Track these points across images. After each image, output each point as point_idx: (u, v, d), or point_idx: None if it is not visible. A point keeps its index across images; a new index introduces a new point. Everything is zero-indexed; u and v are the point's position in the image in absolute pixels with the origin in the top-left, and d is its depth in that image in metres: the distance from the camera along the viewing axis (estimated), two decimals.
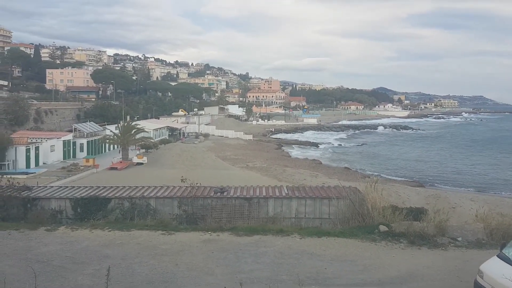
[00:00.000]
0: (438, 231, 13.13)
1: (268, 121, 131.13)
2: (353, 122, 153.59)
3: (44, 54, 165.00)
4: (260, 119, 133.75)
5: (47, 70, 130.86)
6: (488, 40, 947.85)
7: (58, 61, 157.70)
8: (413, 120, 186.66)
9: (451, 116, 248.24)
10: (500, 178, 54.69)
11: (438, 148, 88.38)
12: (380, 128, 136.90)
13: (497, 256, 8.48)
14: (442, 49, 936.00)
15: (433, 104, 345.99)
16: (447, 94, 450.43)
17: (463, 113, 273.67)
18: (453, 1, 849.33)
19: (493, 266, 8.10)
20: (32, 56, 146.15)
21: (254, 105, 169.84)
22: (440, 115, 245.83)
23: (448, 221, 13.92)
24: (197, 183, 18.19)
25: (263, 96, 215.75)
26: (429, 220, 13.77)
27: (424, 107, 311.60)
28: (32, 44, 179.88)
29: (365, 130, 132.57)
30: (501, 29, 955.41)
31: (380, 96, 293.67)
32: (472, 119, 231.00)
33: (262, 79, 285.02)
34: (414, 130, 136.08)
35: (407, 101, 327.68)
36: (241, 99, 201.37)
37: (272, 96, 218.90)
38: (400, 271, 10.36)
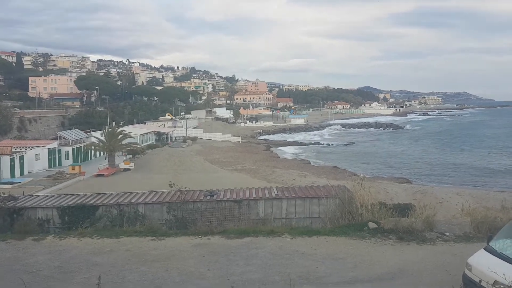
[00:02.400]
0: (426, 226, 13.29)
1: (256, 123, 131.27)
2: (340, 121, 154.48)
3: (27, 62, 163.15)
4: (247, 121, 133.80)
5: (30, 78, 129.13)
6: (471, 37, 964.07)
7: (41, 69, 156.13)
8: (398, 118, 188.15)
9: (436, 112, 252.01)
10: (486, 171, 55.54)
11: (423, 144, 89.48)
12: (366, 127, 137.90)
13: (484, 249, 8.59)
14: (425, 47, 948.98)
15: (417, 101, 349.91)
16: (431, 91, 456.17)
17: (453, 111, 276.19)
18: (433, 0, 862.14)
19: (480, 259, 8.21)
20: (14, 64, 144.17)
21: (242, 107, 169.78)
22: (424, 112, 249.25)
23: (435, 216, 14.09)
24: (186, 188, 18.12)
25: (250, 98, 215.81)
26: (416, 215, 13.93)
27: (409, 104, 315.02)
28: (14, 52, 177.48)
29: (352, 129, 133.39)
30: (483, 26, 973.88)
31: (365, 95, 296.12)
32: (456, 115, 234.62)
33: (249, 81, 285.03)
34: (400, 128, 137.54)
35: (392, 99, 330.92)
36: (228, 101, 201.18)
37: (259, 98, 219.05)
38: (390, 267, 10.47)
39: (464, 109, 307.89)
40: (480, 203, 17.88)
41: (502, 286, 7.12)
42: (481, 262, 8.05)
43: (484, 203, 18.04)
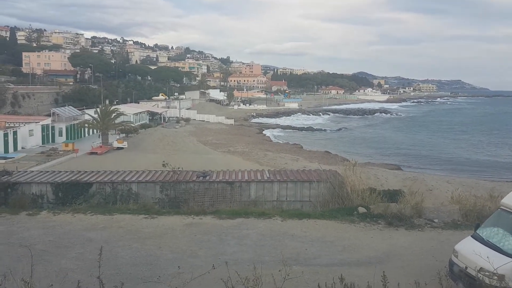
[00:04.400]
0: (415, 212, 13.54)
1: (250, 106, 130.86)
2: (334, 107, 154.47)
3: (20, 37, 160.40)
4: (241, 104, 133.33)
5: (24, 54, 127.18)
6: (467, 25, 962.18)
7: (34, 44, 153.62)
8: (392, 105, 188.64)
9: (429, 100, 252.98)
10: (476, 159, 56.22)
11: (415, 132, 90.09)
12: (360, 113, 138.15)
13: (472, 236, 8.75)
14: (421, 33, 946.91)
15: (411, 89, 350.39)
16: (425, 79, 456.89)
17: (438, 99, 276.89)
18: None
19: (467, 246, 8.37)
20: (7, 39, 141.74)
21: (236, 90, 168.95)
22: (418, 99, 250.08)
23: (424, 203, 14.35)
24: (179, 168, 18.26)
25: (244, 81, 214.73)
26: (406, 202, 14.16)
27: (403, 91, 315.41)
28: (8, 26, 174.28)
29: (346, 115, 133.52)
30: (480, 14, 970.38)
31: (360, 81, 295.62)
32: (449, 103, 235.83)
33: (243, 63, 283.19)
34: (393, 114, 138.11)
35: (387, 86, 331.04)
36: (222, 83, 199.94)
37: (254, 81, 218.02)
38: (378, 251, 10.69)
39: (458, 98, 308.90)
40: (469, 191, 18.14)
41: (487, 273, 7.29)
42: (468, 249, 8.21)
43: (473, 192, 18.30)
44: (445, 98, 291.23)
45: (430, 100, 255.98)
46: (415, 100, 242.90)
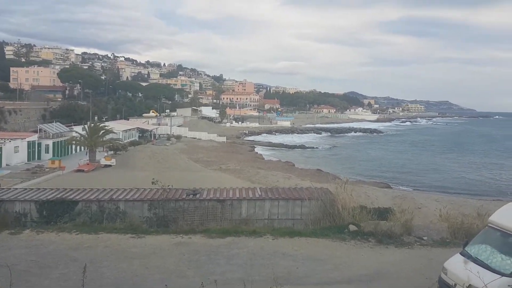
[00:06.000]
0: (405, 230, 13.53)
1: (242, 123, 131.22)
2: (326, 126, 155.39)
3: (9, 52, 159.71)
4: (234, 121, 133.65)
5: (12, 69, 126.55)
6: (454, 48, 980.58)
7: (23, 59, 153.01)
8: (382, 124, 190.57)
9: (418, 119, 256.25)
10: (465, 178, 56.63)
11: (404, 150, 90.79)
12: (351, 132, 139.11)
13: (460, 253, 8.82)
14: (410, 55, 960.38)
15: (400, 109, 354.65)
16: (414, 99, 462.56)
17: (418, 118, 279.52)
18: (420, 9, 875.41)
19: (456, 263, 8.43)
20: None
21: (228, 107, 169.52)
22: (406, 120, 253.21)
23: (413, 220, 14.33)
24: (168, 186, 17.99)
25: (237, 98, 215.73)
26: (395, 219, 14.15)
27: (392, 111, 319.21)
28: None
29: (337, 134, 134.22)
30: (467, 38, 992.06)
31: (351, 100, 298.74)
32: (438, 123, 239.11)
33: (236, 81, 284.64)
34: (382, 134, 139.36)
35: (377, 105, 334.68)
36: (214, 101, 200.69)
37: (246, 99, 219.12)
38: (369, 269, 10.62)
39: (445, 118, 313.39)
40: (458, 209, 18.18)
41: None
42: (457, 266, 8.27)
43: (462, 210, 18.37)
44: (427, 118, 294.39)
45: (413, 120, 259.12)
46: (403, 120, 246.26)
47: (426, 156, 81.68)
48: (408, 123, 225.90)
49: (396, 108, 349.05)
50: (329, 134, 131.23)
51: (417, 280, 9.77)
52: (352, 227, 13.70)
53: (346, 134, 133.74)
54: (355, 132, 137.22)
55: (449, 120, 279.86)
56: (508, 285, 7.42)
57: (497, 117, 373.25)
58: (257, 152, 76.60)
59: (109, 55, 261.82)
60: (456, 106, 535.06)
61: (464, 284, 7.51)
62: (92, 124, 51.51)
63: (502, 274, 7.60)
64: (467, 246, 8.95)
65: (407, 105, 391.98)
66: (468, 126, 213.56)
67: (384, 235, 13.03)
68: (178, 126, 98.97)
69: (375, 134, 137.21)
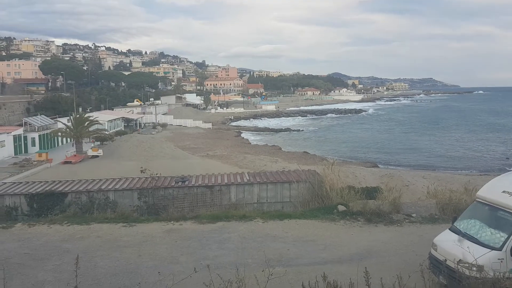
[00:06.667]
0: (393, 208, 13.76)
1: (227, 109, 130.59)
2: (310, 108, 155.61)
3: None
4: (218, 107, 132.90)
5: None
6: (437, 24, 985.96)
7: (3, 53, 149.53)
8: (366, 104, 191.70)
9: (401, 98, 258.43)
10: (449, 154, 57.53)
11: (390, 129, 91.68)
12: (336, 113, 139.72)
13: (449, 229, 8.93)
14: (392, 33, 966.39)
15: (385, 88, 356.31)
16: (398, 78, 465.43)
17: (400, 97, 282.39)
18: None
19: (445, 239, 8.53)
20: None
21: (212, 93, 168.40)
22: (391, 98, 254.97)
23: (401, 198, 14.58)
24: (157, 174, 18.03)
25: (221, 84, 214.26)
26: (384, 198, 14.37)
27: (377, 90, 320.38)
28: None
29: (323, 115, 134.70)
30: (449, 13, 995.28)
31: (335, 81, 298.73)
32: (421, 100, 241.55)
33: (219, 67, 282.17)
34: (367, 113, 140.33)
35: (361, 86, 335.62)
36: (198, 87, 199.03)
37: (230, 84, 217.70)
38: (359, 248, 10.81)
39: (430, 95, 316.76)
40: (445, 186, 18.53)
41: (466, 265, 7.42)
42: (446, 241, 8.38)
43: (449, 186, 18.70)
44: (409, 96, 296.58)
45: (396, 99, 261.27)
46: (386, 99, 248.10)
47: (411, 134, 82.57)
48: (392, 102, 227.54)
49: (380, 88, 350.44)
50: (314, 116, 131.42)
51: (408, 257, 9.93)
52: (341, 207, 13.91)
53: (331, 115, 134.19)
54: (340, 114, 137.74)
55: (432, 98, 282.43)
56: (498, 259, 7.49)
57: (481, 92, 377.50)
58: (243, 137, 76.55)
59: (90, 45, 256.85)
60: (440, 83, 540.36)
61: (455, 259, 7.59)
62: (77, 116, 50.88)
63: (492, 248, 7.69)
64: (456, 221, 9.03)
65: (391, 84, 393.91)
66: (447, 102, 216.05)
67: (373, 214, 13.22)
68: (163, 114, 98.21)
69: (359, 114, 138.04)
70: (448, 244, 8.24)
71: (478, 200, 9.10)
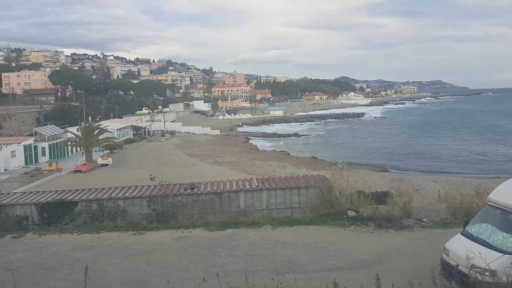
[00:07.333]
0: (404, 213, 13.59)
1: (235, 115, 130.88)
2: (318, 112, 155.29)
3: None
4: (226, 114, 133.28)
5: (3, 74, 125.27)
6: (445, 26, 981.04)
7: (13, 64, 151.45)
8: (375, 107, 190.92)
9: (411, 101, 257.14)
10: (461, 158, 56.96)
11: (400, 133, 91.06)
12: (344, 117, 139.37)
13: (461, 233, 8.77)
14: (400, 36, 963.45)
15: (393, 91, 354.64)
16: (406, 80, 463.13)
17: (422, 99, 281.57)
18: None
19: (457, 244, 8.38)
20: None
21: (220, 100, 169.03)
22: (400, 101, 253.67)
23: (412, 203, 14.41)
24: (166, 181, 18.07)
25: (228, 91, 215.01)
26: (394, 203, 14.20)
27: (385, 94, 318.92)
28: None
29: (330, 120, 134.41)
30: (458, 14, 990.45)
31: (342, 85, 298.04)
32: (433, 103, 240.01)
33: (226, 73, 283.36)
34: (376, 117, 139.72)
35: (369, 89, 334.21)
36: (206, 94, 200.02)
37: (238, 90, 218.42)
38: (370, 254, 10.67)
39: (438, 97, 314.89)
40: (456, 189, 18.32)
41: (479, 269, 7.30)
42: (458, 246, 8.23)
43: (460, 189, 18.47)
44: (415, 99, 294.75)
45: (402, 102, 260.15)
46: (396, 102, 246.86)
47: (421, 139, 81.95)
48: (399, 105, 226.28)
49: (388, 91, 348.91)
50: (322, 120, 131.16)
51: (419, 262, 9.79)
52: (350, 213, 13.79)
53: (339, 119, 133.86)
54: (348, 118, 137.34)
55: (441, 100, 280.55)
56: (511, 263, 7.34)
57: (490, 93, 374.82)
58: (251, 143, 76.59)
59: (99, 55, 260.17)
60: (449, 85, 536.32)
61: (467, 264, 7.44)
62: (87, 124, 51.34)
63: (504, 252, 7.55)
64: (467, 225, 8.88)
65: (400, 87, 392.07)
66: (454, 105, 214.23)
67: (383, 219, 13.05)
68: (171, 121, 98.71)
69: (368, 118, 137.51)
70: (460, 248, 8.08)
71: (489, 203, 8.94)
